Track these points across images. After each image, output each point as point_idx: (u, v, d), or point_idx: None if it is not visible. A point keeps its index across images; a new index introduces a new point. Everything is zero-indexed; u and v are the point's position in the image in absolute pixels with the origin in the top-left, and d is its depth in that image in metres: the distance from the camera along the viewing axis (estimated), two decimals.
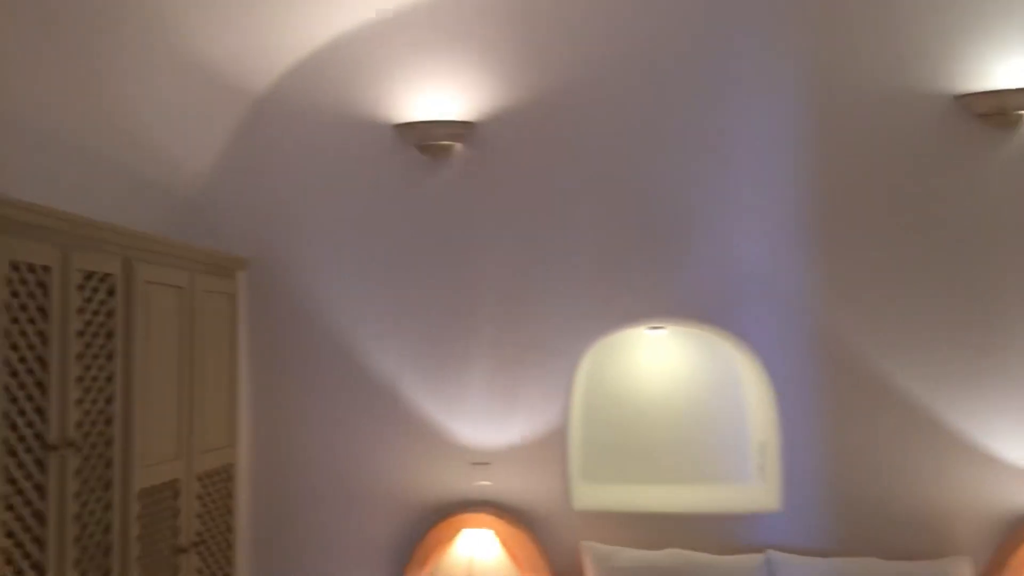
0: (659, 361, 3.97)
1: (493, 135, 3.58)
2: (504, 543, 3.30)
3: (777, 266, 3.47)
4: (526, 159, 3.58)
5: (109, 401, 2.47)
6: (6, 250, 2.02)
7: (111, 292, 2.50)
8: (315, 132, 3.65)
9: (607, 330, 3.56)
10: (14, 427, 2.04)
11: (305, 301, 3.65)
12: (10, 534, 2.01)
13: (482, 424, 3.55)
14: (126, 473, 2.53)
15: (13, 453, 2.03)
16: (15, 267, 2.07)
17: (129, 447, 2.55)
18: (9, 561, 2.01)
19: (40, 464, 2.13)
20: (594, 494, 3.69)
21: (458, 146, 3.60)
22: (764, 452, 3.65)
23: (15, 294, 2.07)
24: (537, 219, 3.57)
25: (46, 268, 2.19)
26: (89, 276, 2.39)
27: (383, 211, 3.64)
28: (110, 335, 2.49)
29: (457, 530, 3.33)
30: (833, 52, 3.46)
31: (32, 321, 2.13)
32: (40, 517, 2.12)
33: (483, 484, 3.52)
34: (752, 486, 3.77)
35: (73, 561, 2.23)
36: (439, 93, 3.55)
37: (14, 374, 2.05)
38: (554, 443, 3.53)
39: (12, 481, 2.02)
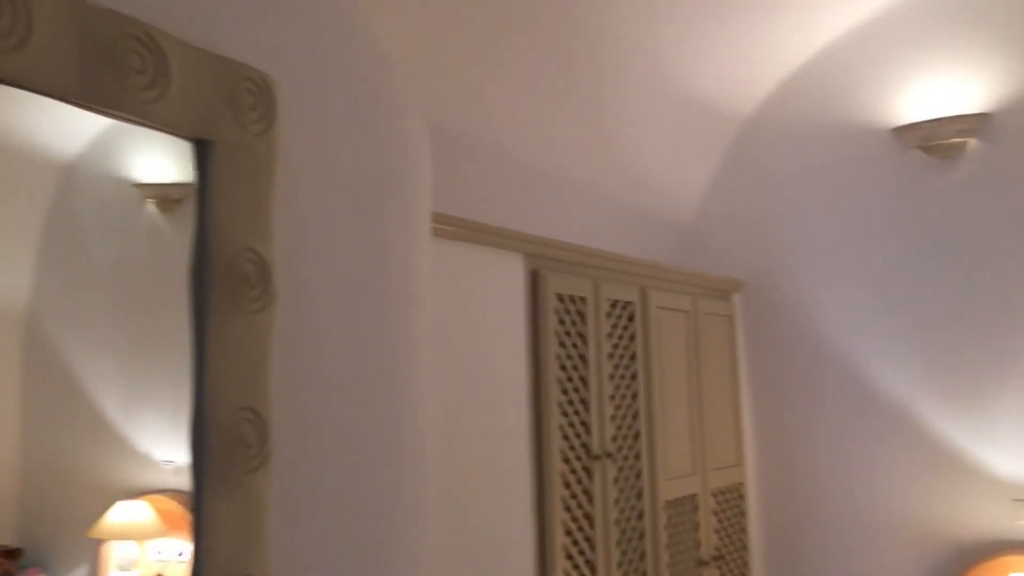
0: None
1: (1018, 124, 3.14)
2: None
3: None
4: None
5: (635, 417, 2.70)
6: (554, 284, 2.36)
7: (631, 318, 2.75)
8: (803, 147, 3.59)
9: None
10: (566, 438, 2.35)
11: (802, 320, 3.59)
12: (568, 532, 2.31)
13: None
14: (653, 485, 2.73)
15: (567, 461, 2.34)
16: (560, 299, 2.40)
17: (653, 460, 2.75)
18: (568, 556, 2.31)
19: (587, 471, 2.41)
20: None
21: (971, 142, 3.23)
22: None
23: (561, 322, 2.39)
24: None
25: (582, 299, 2.49)
26: (614, 304, 2.66)
27: (884, 221, 3.42)
28: (633, 357, 2.73)
29: (1001, 575, 2.94)
30: None
31: (575, 345, 2.44)
32: (589, 519, 2.40)
33: None
34: None
35: (616, 562, 2.48)
36: (944, 86, 3.24)
37: (564, 392, 2.37)
38: None
39: (567, 485, 2.33)
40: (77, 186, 1.58)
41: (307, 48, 1.20)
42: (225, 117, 1.01)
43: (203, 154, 1.00)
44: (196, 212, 1.00)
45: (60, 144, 1.57)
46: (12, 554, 1.53)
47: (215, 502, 0.93)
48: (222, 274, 0.98)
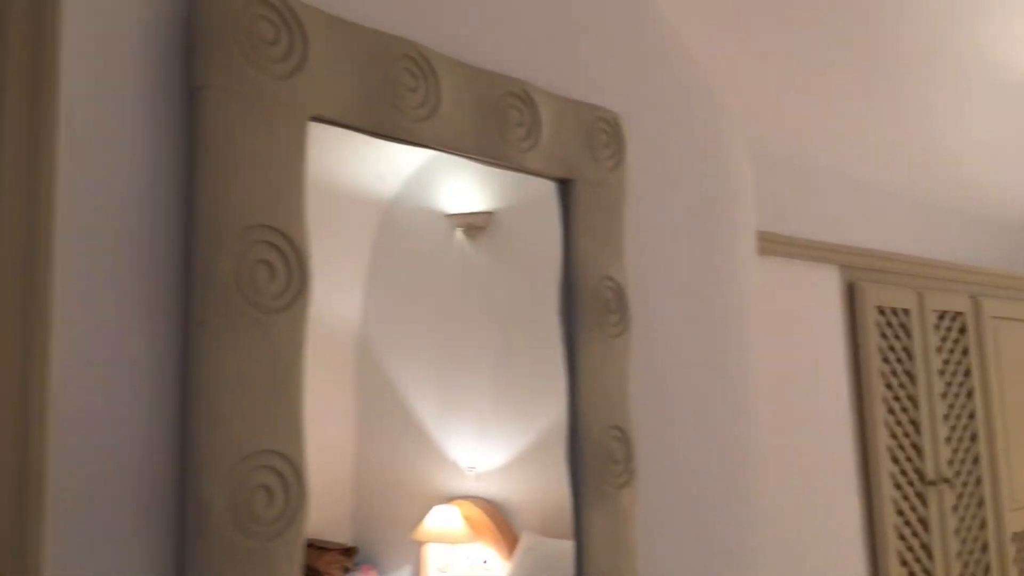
0: None
1: None
2: None
3: None
4: None
5: (973, 439, 2.44)
6: (873, 297, 2.19)
7: (962, 330, 2.49)
8: None
9: None
10: (896, 461, 2.16)
11: None
12: (903, 563, 2.11)
13: None
14: (998, 514, 2.44)
15: (898, 486, 2.15)
16: (881, 311, 2.22)
17: (997, 487, 2.46)
18: None
19: (921, 498, 2.21)
20: None
21: None
22: None
23: (883, 336, 2.22)
24: None
25: (906, 311, 2.30)
26: (942, 316, 2.43)
27: None
28: (967, 372, 2.47)
29: None
30: None
31: (899, 360, 2.25)
32: (927, 550, 2.20)
33: None
34: None
35: None
36: None
37: (891, 411, 2.18)
38: None
39: (899, 512, 2.14)
40: (396, 219, 1.74)
41: (645, 83, 1.27)
42: (584, 156, 1.10)
43: (566, 192, 1.10)
44: (562, 245, 1.09)
45: (382, 184, 1.73)
46: (348, 552, 1.69)
47: (592, 514, 1.02)
48: (587, 302, 1.05)
